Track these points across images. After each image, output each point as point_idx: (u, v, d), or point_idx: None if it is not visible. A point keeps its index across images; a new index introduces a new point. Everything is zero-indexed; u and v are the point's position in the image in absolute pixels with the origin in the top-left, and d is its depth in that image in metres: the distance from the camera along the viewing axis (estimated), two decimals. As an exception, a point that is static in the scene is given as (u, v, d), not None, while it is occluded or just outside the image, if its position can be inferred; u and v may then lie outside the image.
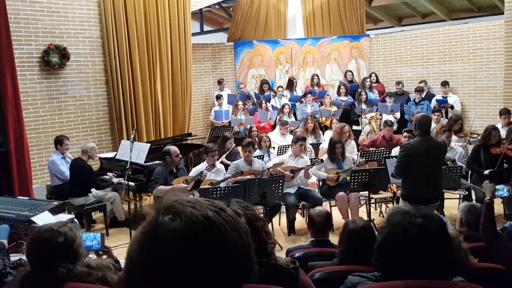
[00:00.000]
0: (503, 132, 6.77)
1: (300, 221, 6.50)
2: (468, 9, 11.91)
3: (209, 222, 0.88)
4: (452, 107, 9.19)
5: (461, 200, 6.29)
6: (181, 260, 0.84)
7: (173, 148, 6.09)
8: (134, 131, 6.47)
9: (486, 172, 6.09)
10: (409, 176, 4.76)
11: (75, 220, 5.01)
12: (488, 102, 9.33)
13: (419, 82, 9.93)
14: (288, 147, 7.03)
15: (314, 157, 7.03)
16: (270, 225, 5.84)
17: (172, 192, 5.50)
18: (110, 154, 7.26)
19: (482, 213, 3.48)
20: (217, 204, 0.93)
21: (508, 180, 5.10)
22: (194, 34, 10.15)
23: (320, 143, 7.81)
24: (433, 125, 7.59)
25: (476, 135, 7.37)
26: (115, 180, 6.56)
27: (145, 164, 6.47)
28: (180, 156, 6.18)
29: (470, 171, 6.76)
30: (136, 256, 0.88)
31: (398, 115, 9.29)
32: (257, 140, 7.21)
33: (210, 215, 0.89)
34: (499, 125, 7.06)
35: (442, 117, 8.60)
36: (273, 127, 9.03)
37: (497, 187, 4.55)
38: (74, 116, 7.46)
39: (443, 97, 9.36)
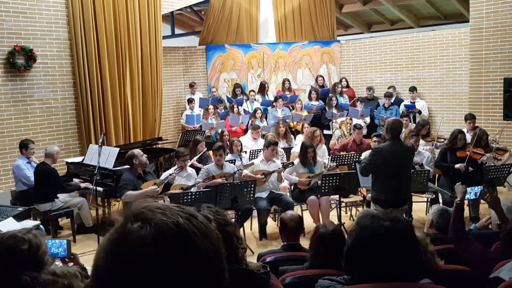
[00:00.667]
0: (468, 137, 6.95)
1: (272, 225, 6.51)
2: (435, 17, 12.24)
3: (179, 230, 0.86)
4: (419, 112, 9.39)
5: (428, 203, 6.43)
6: (150, 268, 0.82)
7: (136, 150, 6.14)
8: (102, 135, 6.34)
9: (457, 166, 6.25)
10: (379, 180, 4.83)
11: (41, 226, 4.88)
12: (454, 107, 9.59)
13: (388, 88, 10.12)
14: (260, 152, 7.04)
15: (285, 161, 7.06)
16: (241, 229, 5.82)
17: (142, 196, 5.42)
18: (78, 159, 7.10)
19: (452, 214, 3.56)
20: (188, 210, 0.91)
21: (482, 182, 5.20)
22: (165, 37, 10.06)
23: (292, 147, 7.85)
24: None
25: (443, 140, 7.54)
26: (83, 185, 6.42)
27: (114, 169, 6.35)
28: (146, 155, 6.14)
29: (437, 175, 6.91)
30: (103, 264, 0.86)
31: (368, 119, 9.44)
32: (228, 144, 7.19)
33: (181, 222, 0.87)
34: (464, 130, 7.26)
35: (410, 122, 8.78)
36: (245, 132, 9.02)
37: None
38: (40, 119, 7.27)
39: (411, 102, 9.56)
